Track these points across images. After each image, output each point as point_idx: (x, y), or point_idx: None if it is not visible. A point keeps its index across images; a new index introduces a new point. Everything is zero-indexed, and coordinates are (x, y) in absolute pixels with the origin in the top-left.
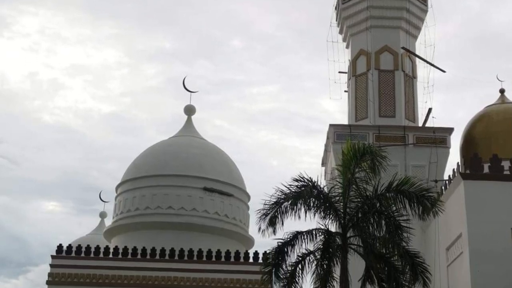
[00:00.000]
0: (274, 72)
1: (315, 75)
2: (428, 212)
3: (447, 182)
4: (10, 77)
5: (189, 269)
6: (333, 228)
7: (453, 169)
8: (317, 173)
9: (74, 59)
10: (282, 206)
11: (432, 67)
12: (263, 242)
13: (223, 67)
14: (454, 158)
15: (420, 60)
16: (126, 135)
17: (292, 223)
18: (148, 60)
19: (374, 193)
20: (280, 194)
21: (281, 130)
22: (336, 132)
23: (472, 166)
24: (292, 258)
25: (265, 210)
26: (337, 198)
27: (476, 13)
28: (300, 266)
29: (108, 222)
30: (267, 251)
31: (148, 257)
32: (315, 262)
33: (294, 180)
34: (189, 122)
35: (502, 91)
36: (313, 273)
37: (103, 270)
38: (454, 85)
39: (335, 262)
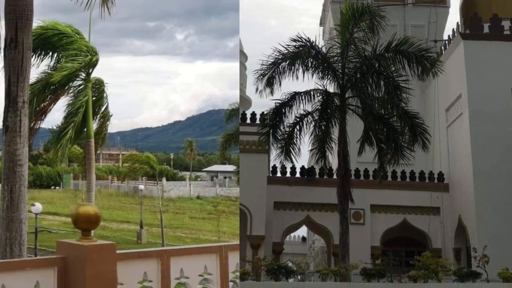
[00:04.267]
0: None
1: None
2: (428, 72)
3: (446, 42)
4: None
5: None
6: (331, 89)
7: (453, 29)
8: (315, 33)
9: None
10: (280, 66)
11: None
12: (261, 102)
13: None
14: (453, 18)
15: None
16: None
17: (290, 84)
18: None
19: (373, 53)
20: (277, 54)
21: None
22: None
23: (472, 26)
24: (290, 119)
25: (262, 71)
26: (336, 58)
27: None
28: (298, 127)
29: None
30: (265, 112)
31: None
32: (313, 123)
33: (292, 40)
34: None
35: None
36: (311, 134)
37: None
38: None
39: (333, 123)
